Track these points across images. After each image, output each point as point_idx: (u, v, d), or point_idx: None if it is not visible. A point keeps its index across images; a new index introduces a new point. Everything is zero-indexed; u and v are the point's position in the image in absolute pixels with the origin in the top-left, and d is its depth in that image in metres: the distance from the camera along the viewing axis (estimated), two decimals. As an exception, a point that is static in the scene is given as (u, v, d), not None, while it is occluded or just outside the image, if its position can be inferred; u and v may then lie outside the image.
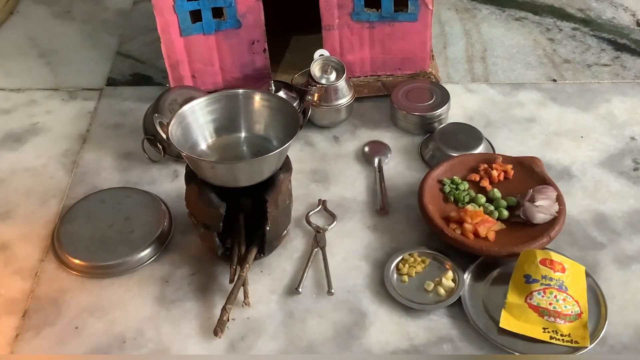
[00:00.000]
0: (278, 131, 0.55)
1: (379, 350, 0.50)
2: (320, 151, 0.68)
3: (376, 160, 0.66)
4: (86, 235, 0.58)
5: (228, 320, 0.51)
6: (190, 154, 0.51)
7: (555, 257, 0.52)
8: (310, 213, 0.61)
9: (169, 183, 0.65)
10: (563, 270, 0.52)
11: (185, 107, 0.53)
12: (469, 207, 0.58)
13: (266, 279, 0.56)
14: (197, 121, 0.54)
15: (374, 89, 0.73)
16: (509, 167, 0.62)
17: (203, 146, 0.55)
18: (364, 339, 0.51)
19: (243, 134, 0.56)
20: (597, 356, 0.49)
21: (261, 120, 0.55)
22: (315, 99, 0.68)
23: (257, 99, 0.55)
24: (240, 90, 0.55)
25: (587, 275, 0.53)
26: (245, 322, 0.52)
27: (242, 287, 0.53)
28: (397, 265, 0.56)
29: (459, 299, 0.52)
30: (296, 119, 0.53)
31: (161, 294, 0.55)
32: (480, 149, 0.65)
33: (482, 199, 0.59)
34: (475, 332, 0.50)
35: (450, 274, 0.54)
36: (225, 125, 0.55)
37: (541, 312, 0.50)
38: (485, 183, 0.61)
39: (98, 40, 0.86)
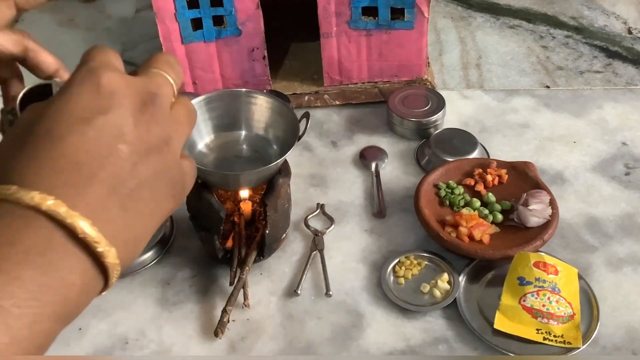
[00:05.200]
0: (278, 134, 0.55)
1: (376, 350, 0.51)
2: (318, 156, 0.69)
3: (373, 165, 0.67)
4: (89, 239, 0.58)
5: (228, 321, 0.52)
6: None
7: (548, 259, 0.53)
8: (309, 217, 0.62)
9: (170, 187, 0.65)
10: (556, 272, 0.53)
11: None
12: (464, 211, 0.59)
13: (266, 281, 0.56)
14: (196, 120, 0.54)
15: (371, 95, 0.74)
16: (503, 171, 0.63)
17: (201, 145, 0.55)
18: (362, 339, 0.52)
19: (243, 132, 0.56)
20: (589, 357, 0.50)
21: (262, 120, 0.55)
22: None
23: (259, 99, 0.55)
24: (243, 90, 0.55)
25: (580, 277, 0.54)
26: (245, 323, 0.53)
27: (242, 289, 0.53)
28: (393, 267, 0.56)
29: (454, 301, 0.53)
30: (296, 125, 0.53)
31: (163, 295, 0.56)
32: (475, 154, 0.66)
33: (477, 203, 0.60)
34: (470, 333, 0.51)
35: (445, 276, 0.55)
36: (225, 122, 0.55)
37: (534, 313, 0.51)
38: (480, 187, 0.62)
39: (101, 47, 0.87)
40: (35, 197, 0.24)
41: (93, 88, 0.27)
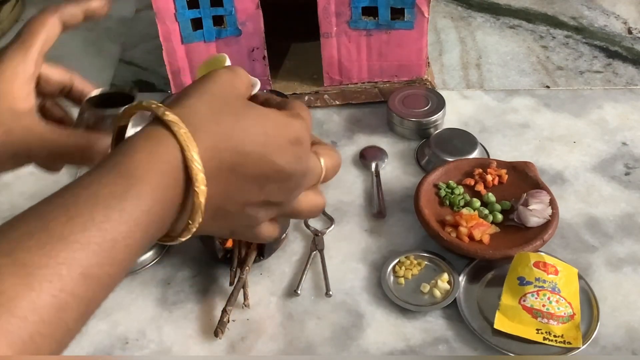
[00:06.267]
0: None
1: (376, 350, 0.51)
2: (318, 156, 0.69)
3: (373, 165, 0.67)
4: (89, 239, 0.59)
5: (228, 321, 0.52)
6: None
7: (548, 259, 0.53)
8: (309, 217, 0.62)
9: (170, 187, 0.66)
10: (556, 272, 0.53)
11: None
12: (464, 210, 0.59)
13: (266, 281, 0.56)
14: None
15: (371, 95, 0.74)
16: (503, 171, 0.63)
17: None
18: (362, 339, 0.52)
19: None
20: (589, 357, 0.50)
21: None
22: None
23: (259, 99, 0.55)
24: None
25: (580, 277, 0.54)
26: (245, 323, 0.53)
27: (242, 289, 0.54)
28: (393, 267, 0.56)
29: (454, 301, 0.53)
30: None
31: (163, 295, 0.56)
32: (475, 154, 0.66)
33: (477, 203, 0.60)
34: (470, 333, 0.51)
35: (445, 276, 0.55)
36: None
37: (535, 313, 0.51)
38: (480, 187, 0.62)
39: (101, 47, 0.87)
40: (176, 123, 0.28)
41: (295, 139, 0.31)
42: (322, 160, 0.34)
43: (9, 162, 0.36)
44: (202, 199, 0.28)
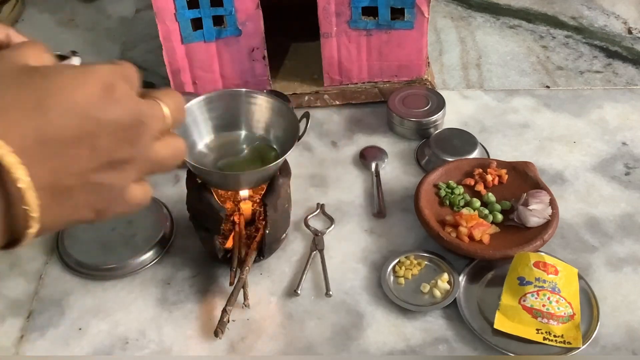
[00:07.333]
0: (278, 134, 0.55)
1: (376, 350, 0.51)
2: (318, 156, 0.69)
3: (373, 165, 0.67)
4: (89, 239, 0.59)
5: (228, 321, 0.52)
6: (191, 162, 0.51)
7: (548, 259, 0.53)
8: (309, 217, 0.62)
9: (170, 187, 0.66)
10: (556, 272, 0.53)
11: None
12: (464, 210, 0.59)
13: (266, 281, 0.56)
14: (196, 120, 0.54)
15: (371, 95, 0.74)
16: (503, 171, 0.63)
17: (201, 145, 0.55)
18: (362, 339, 0.52)
19: (243, 132, 0.56)
20: (589, 357, 0.50)
21: (262, 120, 0.55)
22: None
23: (259, 99, 0.55)
24: (243, 90, 0.55)
25: (580, 277, 0.54)
26: (245, 323, 0.53)
27: (242, 289, 0.53)
28: (393, 267, 0.57)
29: (454, 301, 0.53)
30: (296, 125, 0.53)
31: (163, 295, 0.56)
32: (475, 154, 0.66)
33: (477, 203, 0.60)
34: (470, 333, 0.51)
35: (445, 276, 0.55)
36: (225, 122, 0.55)
37: (535, 313, 0.51)
38: (480, 187, 0.62)
39: (101, 47, 0.87)
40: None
41: (104, 85, 0.27)
42: (161, 103, 0.30)
43: None
44: (23, 176, 0.24)
